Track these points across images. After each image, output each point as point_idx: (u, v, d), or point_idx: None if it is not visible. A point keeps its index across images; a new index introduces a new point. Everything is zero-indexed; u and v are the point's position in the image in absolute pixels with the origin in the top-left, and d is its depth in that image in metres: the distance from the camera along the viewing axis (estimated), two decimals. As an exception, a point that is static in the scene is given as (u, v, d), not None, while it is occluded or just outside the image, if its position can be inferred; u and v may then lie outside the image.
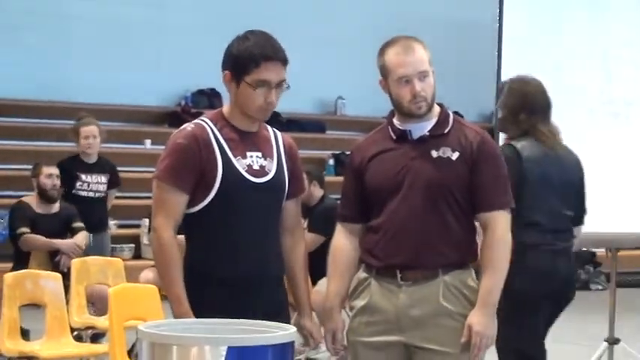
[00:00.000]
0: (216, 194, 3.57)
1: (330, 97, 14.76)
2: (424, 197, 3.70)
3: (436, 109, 3.82)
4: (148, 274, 9.35)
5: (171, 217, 3.56)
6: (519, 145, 4.82)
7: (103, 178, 8.41)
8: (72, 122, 8.69)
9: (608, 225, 6.12)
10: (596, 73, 6.08)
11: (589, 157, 6.08)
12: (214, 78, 14.00)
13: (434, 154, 3.73)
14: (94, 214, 8.01)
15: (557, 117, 6.03)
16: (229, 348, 2.74)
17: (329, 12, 14.93)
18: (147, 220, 10.11)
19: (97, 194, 8.35)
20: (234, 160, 3.60)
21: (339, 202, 4.04)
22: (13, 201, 8.42)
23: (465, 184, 3.71)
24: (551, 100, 4.98)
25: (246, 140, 3.66)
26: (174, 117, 14.15)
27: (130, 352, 5.43)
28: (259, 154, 3.66)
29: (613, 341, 6.18)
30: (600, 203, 6.07)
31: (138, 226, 11.36)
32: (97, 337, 6.75)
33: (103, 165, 8.45)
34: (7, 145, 12.67)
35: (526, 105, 4.92)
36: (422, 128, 3.77)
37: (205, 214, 3.58)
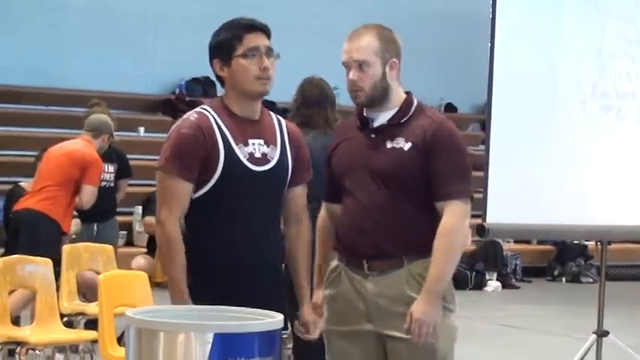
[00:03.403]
0: (216, 182, 3.56)
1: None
2: (380, 186, 3.72)
3: (399, 97, 3.79)
4: (140, 260, 9.39)
5: (175, 208, 3.55)
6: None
7: (111, 168, 8.39)
8: (68, 109, 8.67)
9: (599, 217, 6.13)
10: (589, 67, 6.08)
11: (582, 151, 6.10)
12: (209, 66, 13.98)
13: (388, 144, 3.74)
14: (99, 203, 7.99)
15: (550, 110, 6.05)
16: (216, 335, 2.75)
17: (320, 6, 14.91)
18: (139, 208, 10.11)
19: (104, 183, 8.32)
20: (235, 147, 3.58)
21: None
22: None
23: (419, 173, 3.70)
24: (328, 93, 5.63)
25: (247, 127, 3.64)
26: (169, 105, 14.15)
27: (120, 339, 5.43)
28: (261, 142, 3.64)
29: (602, 334, 6.20)
30: (591, 195, 6.09)
31: (130, 214, 11.36)
32: (90, 323, 6.75)
33: (112, 154, 8.43)
34: (3, 132, 12.66)
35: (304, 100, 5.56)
36: (382, 117, 3.78)
37: (205, 201, 3.57)
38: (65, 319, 6.45)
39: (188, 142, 3.55)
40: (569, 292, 12.43)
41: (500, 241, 12.76)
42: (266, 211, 3.65)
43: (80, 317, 6.68)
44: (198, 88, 14.51)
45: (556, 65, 6.04)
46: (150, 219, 9.33)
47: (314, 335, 3.82)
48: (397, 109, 3.78)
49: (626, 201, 6.18)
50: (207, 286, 3.54)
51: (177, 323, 2.82)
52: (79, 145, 7.49)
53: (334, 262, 3.84)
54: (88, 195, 7.27)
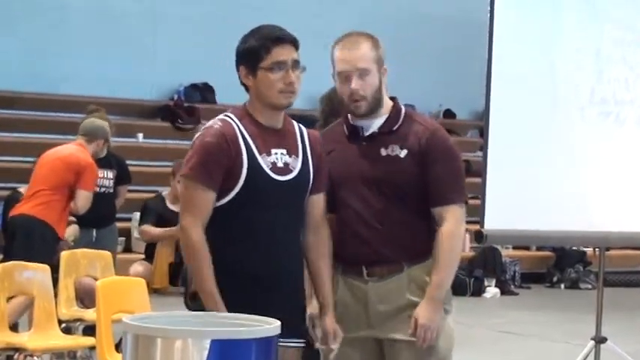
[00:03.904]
0: (239, 191, 3.55)
1: (321, 92, 14.78)
2: (377, 194, 3.73)
3: (388, 104, 3.82)
4: (138, 267, 9.39)
5: (199, 216, 3.54)
6: None
7: (110, 174, 8.38)
8: (66, 115, 8.67)
9: (597, 224, 6.13)
10: (587, 73, 6.08)
11: (580, 156, 6.10)
12: (207, 72, 14.05)
13: (383, 152, 3.75)
14: (98, 209, 7.99)
15: (549, 116, 6.05)
16: (213, 341, 2.75)
17: (320, 6, 14.93)
18: (137, 214, 10.11)
19: (103, 189, 8.32)
20: (259, 157, 3.57)
21: None
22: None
23: (416, 179, 3.73)
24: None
25: (271, 137, 3.62)
26: (167, 111, 14.17)
27: (118, 345, 5.43)
28: (284, 151, 3.63)
29: (600, 340, 6.19)
30: (590, 201, 6.08)
31: (129, 220, 11.35)
32: (88, 330, 6.75)
33: (111, 160, 8.42)
34: (0, 137, 12.65)
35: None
36: (373, 125, 3.79)
37: (226, 210, 3.56)
38: (63, 325, 6.45)
39: (212, 151, 3.53)
40: (568, 299, 12.42)
41: (498, 247, 12.76)
42: (287, 220, 3.63)
43: (78, 323, 6.68)
44: (197, 94, 14.52)
45: (554, 70, 6.04)
46: (147, 227, 9.34)
47: (333, 346, 3.75)
48: (387, 116, 3.80)
49: (624, 207, 6.18)
50: (227, 294, 3.51)
51: (174, 329, 2.82)
52: (73, 149, 7.46)
53: None
54: (82, 200, 7.24)
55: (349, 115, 3.84)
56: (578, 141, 6.09)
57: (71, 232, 7.71)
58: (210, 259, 3.53)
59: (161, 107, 14.29)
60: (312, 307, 3.85)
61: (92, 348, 5.88)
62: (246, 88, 3.67)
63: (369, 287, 3.76)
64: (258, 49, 3.59)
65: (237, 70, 3.66)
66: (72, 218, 7.73)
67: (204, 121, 14.04)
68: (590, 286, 13.00)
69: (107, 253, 7.09)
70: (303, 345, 3.68)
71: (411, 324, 3.68)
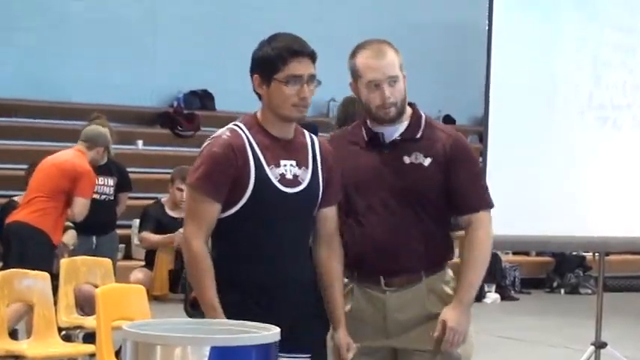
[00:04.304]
0: (245, 203, 3.50)
1: (322, 99, 14.79)
2: (400, 203, 3.70)
3: (408, 111, 3.80)
4: (138, 274, 9.38)
5: (202, 227, 3.49)
6: None
7: (110, 181, 8.39)
8: (66, 122, 8.66)
9: (597, 229, 6.13)
10: (584, 78, 6.09)
11: (579, 162, 6.11)
12: (207, 79, 14.03)
13: (406, 160, 3.73)
14: (98, 217, 7.98)
15: (547, 121, 6.06)
16: (212, 348, 2.75)
17: (320, 14, 14.94)
18: (137, 221, 10.11)
19: (103, 196, 8.32)
20: (267, 169, 3.51)
21: None
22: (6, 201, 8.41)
23: (439, 187, 3.72)
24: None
25: (280, 148, 3.56)
26: (167, 118, 14.18)
27: (118, 353, 5.42)
28: (293, 163, 3.56)
29: (600, 345, 6.19)
30: (589, 207, 6.09)
31: (129, 227, 11.35)
32: (88, 337, 6.75)
33: (111, 168, 8.42)
34: (2, 145, 12.65)
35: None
36: (394, 132, 3.76)
37: (233, 222, 3.52)
38: (63, 332, 6.45)
39: (219, 162, 3.48)
40: (568, 304, 12.42)
41: (498, 252, 12.75)
42: (295, 233, 3.57)
43: (78, 331, 6.68)
44: (196, 101, 14.54)
45: (552, 76, 6.05)
46: (146, 234, 9.33)
47: (347, 359, 3.71)
48: (407, 122, 3.78)
49: (624, 212, 6.18)
50: (232, 306, 3.46)
51: (173, 337, 2.82)
52: (70, 155, 7.43)
53: (344, 279, 3.77)
54: (79, 207, 7.21)
55: (368, 120, 3.79)
56: (576, 146, 6.10)
57: (70, 238, 7.69)
58: (212, 269, 3.49)
59: (160, 114, 14.30)
60: None
61: (92, 355, 5.88)
62: (259, 96, 3.61)
63: (387, 297, 3.73)
64: (274, 60, 3.51)
65: (251, 76, 3.59)
66: (69, 224, 7.72)
67: (203, 127, 14.18)
68: (590, 291, 13.00)
69: (107, 261, 7.08)
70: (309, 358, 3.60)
71: (438, 326, 3.66)
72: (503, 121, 5.90)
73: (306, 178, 3.56)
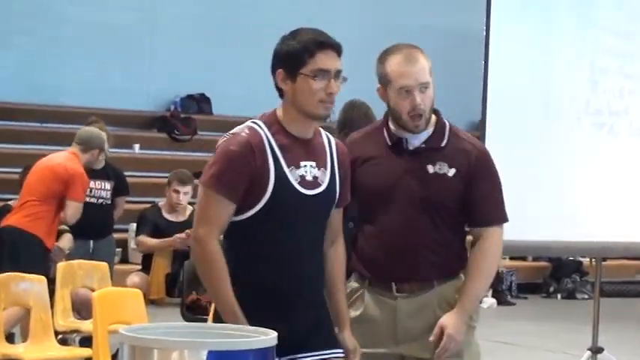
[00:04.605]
0: (264, 205, 3.36)
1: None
2: (420, 212, 3.66)
3: (432, 118, 3.74)
4: (134, 278, 9.38)
5: (215, 227, 3.34)
6: None
7: (107, 185, 8.39)
8: (63, 126, 8.65)
9: (594, 234, 6.13)
10: (581, 84, 6.10)
11: (576, 167, 6.12)
12: (204, 83, 14.02)
13: (430, 169, 3.68)
14: (95, 221, 7.96)
15: (544, 127, 6.06)
16: (210, 352, 2.75)
17: (319, 20, 14.93)
18: (134, 225, 10.11)
19: (100, 200, 8.32)
20: (287, 170, 3.38)
21: None
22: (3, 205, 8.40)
23: (460, 198, 3.69)
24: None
25: (300, 148, 3.42)
26: (163, 122, 14.18)
27: (114, 357, 5.42)
28: (313, 164, 3.43)
29: (596, 350, 6.20)
30: (586, 212, 6.09)
31: (125, 231, 11.35)
32: (85, 341, 6.74)
33: (108, 172, 8.41)
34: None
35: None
36: (418, 138, 3.70)
37: (250, 224, 3.38)
38: (60, 336, 6.44)
39: (236, 161, 3.33)
40: (564, 309, 12.42)
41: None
42: (312, 235, 3.46)
43: (75, 334, 6.68)
44: (193, 105, 14.54)
45: (550, 81, 6.06)
46: (143, 238, 9.33)
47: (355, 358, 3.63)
48: (431, 130, 3.72)
49: (621, 217, 6.19)
50: (248, 309, 3.34)
51: (171, 341, 2.82)
52: (62, 158, 7.37)
53: (353, 284, 3.77)
54: (72, 210, 7.17)
55: (390, 124, 3.73)
56: (573, 152, 6.10)
57: (66, 242, 7.67)
58: (227, 271, 3.34)
59: (157, 118, 14.30)
60: None
61: (88, 359, 5.87)
62: (280, 94, 3.45)
63: (398, 303, 3.70)
64: (300, 53, 3.35)
65: (273, 72, 3.42)
66: (66, 227, 7.70)
67: (200, 132, 14.17)
68: (586, 296, 13.00)
69: (104, 264, 7.08)
70: (336, 355, 3.51)
71: (436, 330, 3.63)
72: (501, 126, 5.90)
73: (325, 179, 3.45)
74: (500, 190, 3.78)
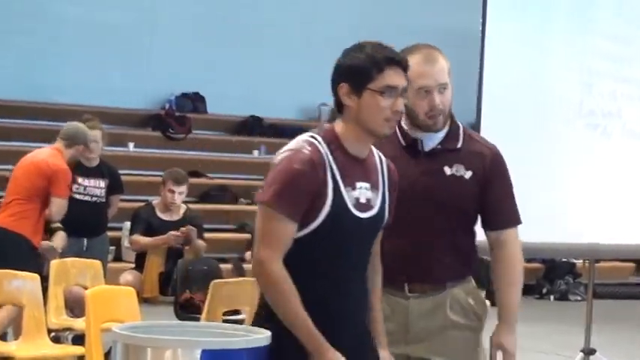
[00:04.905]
0: (318, 226, 3.23)
1: (313, 103, 14.80)
2: (437, 213, 3.65)
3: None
4: (128, 276, 9.37)
5: (279, 248, 3.18)
6: None
7: (102, 183, 8.37)
8: (58, 123, 8.61)
9: (586, 236, 6.15)
10: (576, 85, 6.11)
11: (569, 169, 6.12)
12: (199, 82, 13.98)
13: (447, 170, 3.66)
14: (89, 219, 7.94)
15: (537, 127, 6.07)
16: (203, 351, 2.75)
17: (311, 18, 14.95)
18: (128, 224, 10.10)
19: (94, 198, 8.30)
20: (344, 191, 3.25)
21: None
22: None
23: (475, 200, 3.69)
24: None
25: (356, 168, 3.30)
26: (158, 120, 14.16)
27: (107, 355, 5.41)
28: (367, 185, 3.31)
29: (589, 352, 6.21)
30: (579, 214, 6.10)
31: (119, 229, 11.34)
32: (78, 339, 6.74)
33: (103, 170, 8.40)
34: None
35: None
36: (433, 139, 3.69)
37: (302, 244, 3.24)
38: (52, 334, 6.43)
39: (299, 179, 3.18)
40: (557, 310, 12.43)
41: (488, 258, 12.75)
42: (361, 256, 3.37)
43: (67, 332, 6.66)
44: (188, 104, 14.52)
45: (544, 82, 6.07)
46: (136, 237, 9.33)
47: None
48: (446, 131, 3.71)
49: (614, 219, 6.20)
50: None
51: (164, 339, 2.82)
52: (46, 154, 7.30)
53: None
54: (56, 207, 7.09)
55: (403, 125, 3.70)
56: (566, 153, 6.11)
57: (59, 240, 7.62)
58: (296, 292, 3.17)
59: (152, 116, 14.29)
60: None
61: (81, 357, 5.87)
62: (339, 109, 3.30)
63: (410, 303, 3.69)
64: (368, 68, 3.22)
65: (335, 86, 3.28)
66: (59, 225, 7.67)
67: (195, 130, 14.16)
68: (579, 298, 13.01)
69: (97, 262, 7.07)
70: None
71: (496, 353, 3.69)
72: (495, 127, 5.90)
73: (377, 202, 3.33)
74: (513, 192, 3.78)
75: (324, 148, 3.25)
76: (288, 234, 3.20)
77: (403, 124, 3.71)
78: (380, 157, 3.40)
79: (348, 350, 2.97)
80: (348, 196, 3.25)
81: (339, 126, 3.29)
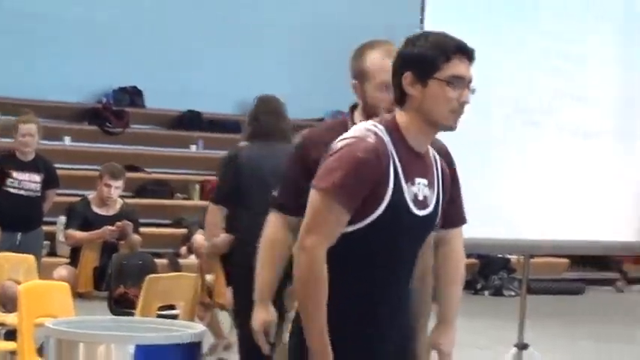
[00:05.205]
0: (375, 220, 3.09)
1: (251, 97, 14.78)
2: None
3: None
4: (62, 271, 9.25)
5: (327, 238, 3.04)
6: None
7: (37, 177, 8.30)
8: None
9: (521, 231, 6.20)
10: (513, 81, 6.16)
11: (505, 165, 6.18)
12: (136, 75, 13.85)
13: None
14: (24, 213, 7.84)
15: (473, 122, 6.10)
16: (137, 346, 2.73)
17: (318, 20, 14.84)
18: (63, 218, 10.00)
19: (29, 193, 8.23)
20: (404, 186, 3.11)
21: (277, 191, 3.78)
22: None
23: None
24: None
25: (416, 163, 3.16)
26: (95, 114, 14.04)
27: (40, 350, 5.35)
28: (425, 182, 3.19)
29: (522, 346, 6.27)
30: (515, 209, 6.16)
31: (54, 224, 11.22)
32: (10, 334, 6.65)
33: (38, 164, 8.34)
34: None
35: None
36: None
37: (356, 238, 3.10)
38: (-16, 330, 6.35)
39: (362, 169, 3.04)
40: (492, 305, 12.55)
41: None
42: (412, 255, 3.25)
43: (0, 328, 6.57)
44: (126, 98, 14.42)
45: (480, 78, 6.07)
46: (71, 231, 9.24)
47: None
48: None
49: (548, 216, 6.26)
50: (341, 333, 3.11)
51: (97, 334, 2.80)
52: None
53: None
54: None
55: (355, 116, 3.73)
56: (502, 149, 6.16)
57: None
58: (327, 290, 3.06)
59: (88, 110, 14.16)
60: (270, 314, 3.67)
61: (13, 353, 5.79)
62: (401, 100, 3.16)
63: None
64: (435, 57, 3.10)
65: (400, 75, 3.14)
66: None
67: (132, 125, 14.05)
68: (513, 293, 13.16)
69: (30, 257, 7.00)
70: None
71: (440, 357, 3.64)
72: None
73: (432, 200, 3.22)
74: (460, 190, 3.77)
75: (387, 139, 3.12)
76: (340, 225, 3.06)
77: (359, 118, 3.69)
78: (434, 154, 3.29)
79: (387, 355, 2.97)
80: (408, 192, 3.13)
81: (401, 116, 3.16)
